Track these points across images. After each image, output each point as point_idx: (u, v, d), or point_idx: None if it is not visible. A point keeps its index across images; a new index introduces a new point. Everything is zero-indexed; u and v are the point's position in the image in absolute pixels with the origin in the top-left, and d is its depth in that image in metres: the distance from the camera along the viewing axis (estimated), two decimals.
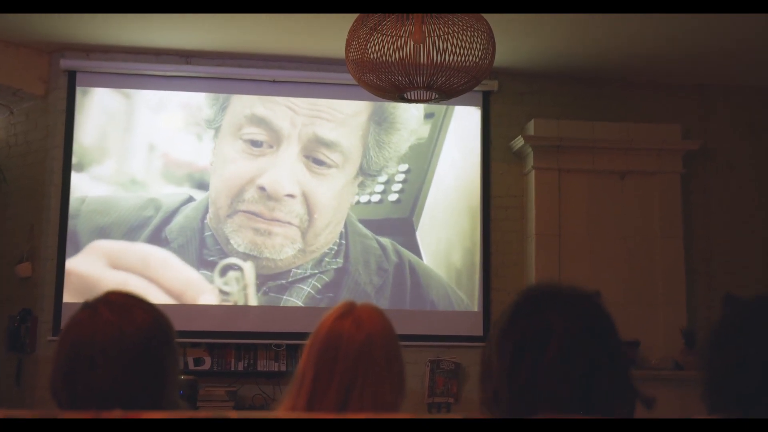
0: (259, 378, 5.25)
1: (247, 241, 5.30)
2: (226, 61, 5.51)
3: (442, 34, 3.26)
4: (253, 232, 5.31)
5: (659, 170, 5.55)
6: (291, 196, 5.34)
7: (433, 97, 3.58)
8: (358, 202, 5.46)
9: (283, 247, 5.32)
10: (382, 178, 5.49)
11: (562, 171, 5.48)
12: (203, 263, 5.27)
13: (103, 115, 5.38)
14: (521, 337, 1.22)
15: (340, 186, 5.44)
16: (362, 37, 3.34)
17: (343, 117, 5.49)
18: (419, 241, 5.46)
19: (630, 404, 1.21)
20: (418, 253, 5.45)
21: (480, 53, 3.31)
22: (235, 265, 5.29)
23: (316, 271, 5.35)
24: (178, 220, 5.29)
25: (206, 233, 5.29)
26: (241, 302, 5.29)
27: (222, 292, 5.27)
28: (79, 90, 5.37)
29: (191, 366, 5.16)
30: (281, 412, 1.57)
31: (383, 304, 5.20)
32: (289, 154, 5.39)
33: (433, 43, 3.26)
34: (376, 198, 5.48)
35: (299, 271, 5.34)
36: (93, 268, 5.17)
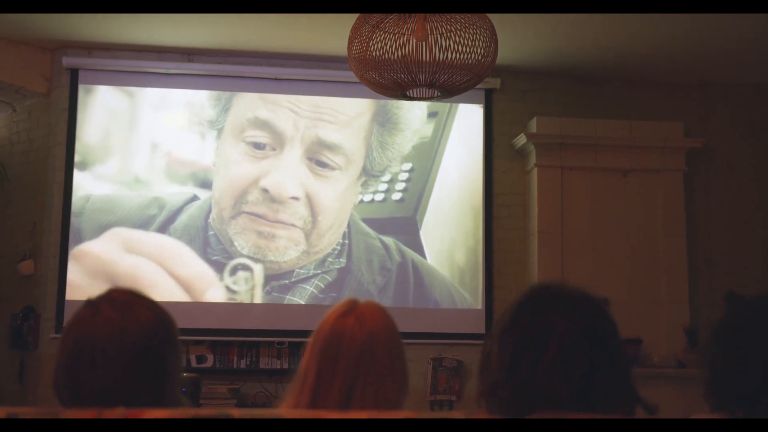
0: (261, 375, 5.26)
1: (251, 244, 5.29)
2: (229, 59, 5.51)
3: (444, 31, 3.26)
4: (256, 234, 5.30)
5: (662, 168, 5.53)
6: (295, 198, 5.33)
7: (435, 95, 3.58)
8: (361, 201, 5.45)
9: (287, 249, 5.32)
10: (386, 178, 5.48)
11: (564, 168, 5.47)
12: (207, 262, 5.27)
13: (105, 113, 5.38)
14: (522, 336, 1.22)
15: (344, 187, 5.43)
16: (365, 34, 3.33)
17: (346, 119, 5.48)
18: (423, 239, 5.46)
19: (630, 405, 1.21)
20: (421, 251, 5.45)
21: (482, 51, 3.30)
22: (246, 265, 5.29)
23: (319, 271, 5.35)
24: (183, 218, 5.29)
25: (209, 233, 5.30)
26: (246, 301, 5.30)
27: (230, 290, 5.27)
28: (81, 88, 5.37)
29: (194, 363, 5.17)
30: (284, 409, 1.56)
31: (386, 303, 5.18)
32: (292, 157, 5.38)
33: (436, 41, 3.25)
34: (379, 197, 5.47)
35: (302, 271, 5.33)
36: (108, 250, 5.20)
